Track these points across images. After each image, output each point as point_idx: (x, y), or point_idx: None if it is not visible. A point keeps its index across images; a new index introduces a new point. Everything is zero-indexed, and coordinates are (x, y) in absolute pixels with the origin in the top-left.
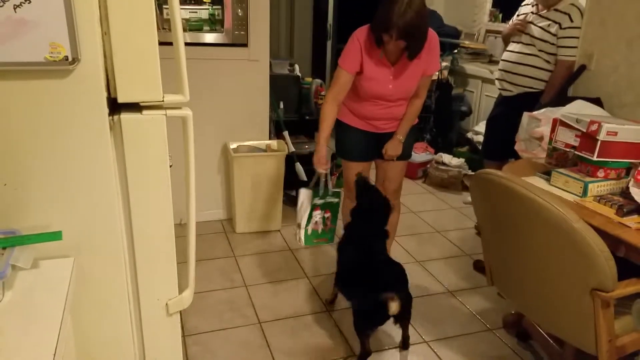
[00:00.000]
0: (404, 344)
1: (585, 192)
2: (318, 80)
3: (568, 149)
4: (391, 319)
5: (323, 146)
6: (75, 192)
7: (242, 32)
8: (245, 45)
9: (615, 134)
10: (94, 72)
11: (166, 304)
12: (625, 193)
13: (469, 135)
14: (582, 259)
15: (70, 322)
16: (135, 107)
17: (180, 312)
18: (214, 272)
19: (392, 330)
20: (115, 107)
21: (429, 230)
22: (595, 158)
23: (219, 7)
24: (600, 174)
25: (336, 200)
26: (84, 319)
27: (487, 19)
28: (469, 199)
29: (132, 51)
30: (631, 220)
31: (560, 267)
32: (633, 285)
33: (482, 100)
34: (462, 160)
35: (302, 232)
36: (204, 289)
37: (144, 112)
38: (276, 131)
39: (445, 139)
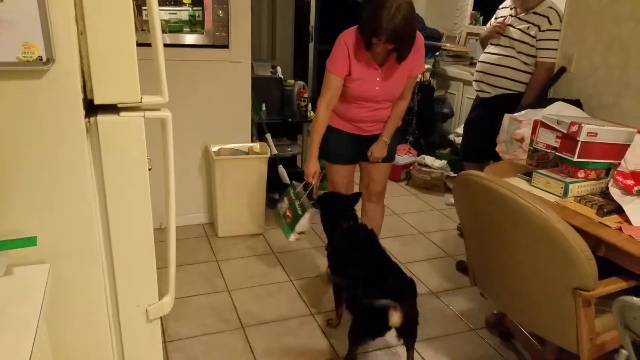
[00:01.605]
0: None
1: (566, 193)
2: (300, 82)
3: (549, 150)
4: (394, 332)
5: (315, 157)
6: (51, 196)
7: (223, 33)
8: (226, 46)
9: (596, 134)
10: (69, 72)
11: (146, 310)
12: (605, 193)
13: (451, 137)
14: (564, 259)
15: (46, 330)
16: (112, 109)
17: (161, 317)
18: (195, 277)
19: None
20: (91, 108)
21: (412, 232)
22: (575, 159)
23: (199, 8)
24: (581, 174)
25: (300, 212)
26: (60, 327)
27: (468, 21)
28: (452, 200)
29: (109, 51)
30: (611, 220)
31: (542, 267)
32: (614, 284)
33: (463, 102)
34: (444, 162)
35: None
36: (185, 294)
37: (122, 113)
38: (258, 134)
39: (428, 141)
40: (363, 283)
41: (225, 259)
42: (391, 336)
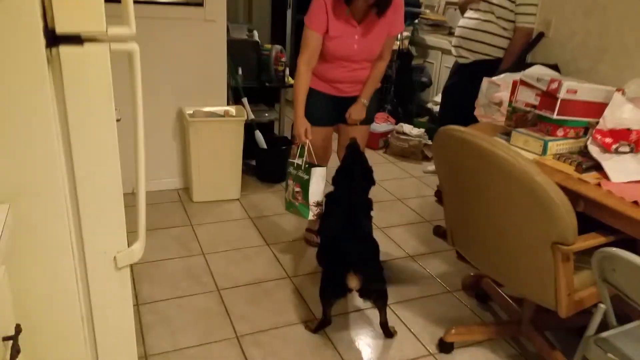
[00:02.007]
0: (385, 331)
1: (545, 151)
2: (278, 47)
3: (528, 108)
4: (356, 294)
5: (302, 116)
6: (10, 133)
7: None
8: (200, 4)
9: (575, 92)
10: None
11: (114, 257)
12: (584, 152)
13: (429, 105)
14: (543, 212)
15: (5, 274)
16: (76, 41)
17: (133, 280)
18: (169, 241)
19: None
20: (54, 41)
21: (390, 198)
22: (555, 116)
23: None
24: (560, 132)
25: (306, 177)
26: (23, 272)
27: None
28: (430, 168)
29: None
30: (590, 177)
31: (521, 221)
32: (593, 239)
33: (442, 71)
34: (422, 130)
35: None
36: (158, 257)
37: (86, 44)
38: (234, 98)
39: (406, 109)
40: (332, 246)
41: (200, 223)
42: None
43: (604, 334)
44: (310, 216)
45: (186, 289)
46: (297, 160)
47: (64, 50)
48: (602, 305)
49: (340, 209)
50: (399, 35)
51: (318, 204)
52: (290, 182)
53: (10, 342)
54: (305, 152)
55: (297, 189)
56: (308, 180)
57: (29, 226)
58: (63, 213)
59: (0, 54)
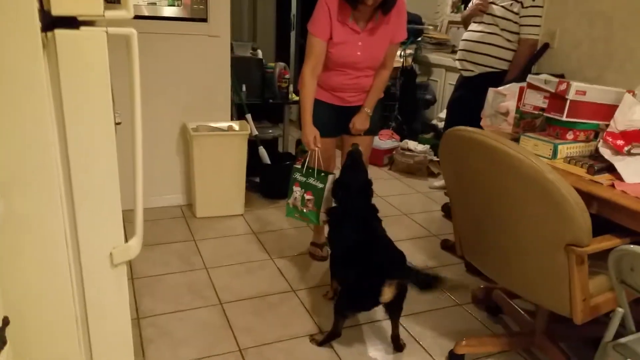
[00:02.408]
0: (395, 344)
1: (555, 154)
2: (282, 64)
3: (536, 112)
4: (382, 307)
5: (310, 123)
6: (2, 121)
7: (201, 6)
8: (204, 20)
9: (584, 93)
10: None
11: (110, 253)
12: (595, 155)
13: (434, 122)
14: (556, 212)
15: None
16: (72, 24)
17: (134, 294)
18: (171, 255)
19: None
20: (49, 23)
21: (395, 213)
22: (564, 118)
23: None
24: (570, 136)
25: (320, 185)
26: (13, 267)
27: (449, 10)
28: (436, 183)
29: None
30: (602, 178)
31: (534, 222)
32: (607, 241)
33: (446, 88)
34: (427, 146)
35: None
36: (160, 272)
37: (82, 28)
38: (238, 115)
39: (411, 127)
40: (355, 257)
41: (203, 238)
42: (376, 311)
43: (623, 340)
44: (321, 222)
45: (188, 303)
46: (305, 167)
47: (60, 33)
48: (620, 309)
49: (350, 218)
50: (403, 53)
51: (330, 210)
52: (296, 188)
53: None
54: (315, 160)
55: (309, 197)
56: (322, 189)
57: (21, 219)
58: (57, 205)
59: None
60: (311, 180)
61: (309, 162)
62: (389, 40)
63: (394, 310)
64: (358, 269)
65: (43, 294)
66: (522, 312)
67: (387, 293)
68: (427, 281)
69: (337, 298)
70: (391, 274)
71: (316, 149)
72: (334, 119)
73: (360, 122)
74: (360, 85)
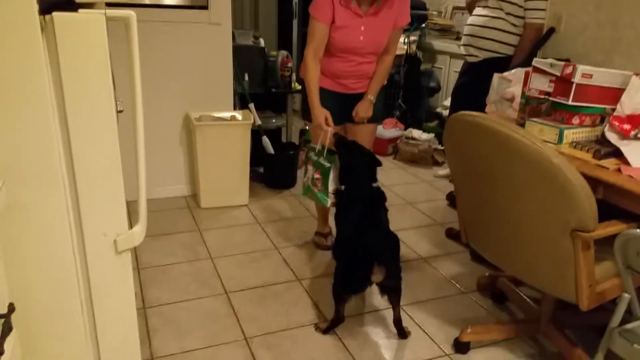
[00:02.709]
0: (398, 329)
1: (560, 139)
2: (284, 52)
3: (542, 96)
4: (377, 290)
5: (319, 104)
6: (2, 106)
7: None
8: (205, 7)
9: (591, 76)
10: None
11: (114, 241)
12: (601, 140)
13: (438, 110)
14: (562, 197)
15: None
16: (70, 7)
17: (140, 284)
18: (176, 245)
19: (368, 295)
20: (47, 6)
21: (400, 202)
22: (570, 102)
23: None
24: (575, 120)
25: (327, 165)
26: (17, 253)
27: None
28: (440, 172)
29: None
30: (609, 163)
31: (539, 207)
32: (613, 226)
33: (450, 76)
34: (431, 135)
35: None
36: (165, 262)
37: (80, 11)
38: (241, 104)
39: (415, 115)
40: (351, 240)
41: (208, 228)
42: (379, 300)
43: (629, 325)
44: (329, 204)
45: (193, 292)
46: (319, 146)
47: (58, 16)
48: (626, 295)
49: (356, 202)
50: (407, 39)
51: (336, 192)
52: (310, 167)
53: (2, 320)
54: (327, 139)
55: (317, 176)
56: (329, 168)
57: (25, 207)
58: (60, 192)
59: None
60: (321, 160)
61: (321, 141)
62: (392, 24)
63: (392, 293)
64: (350, 251)
65: (48, 282)
66: (528, 300)
67: (377, 274)
68: (388, 285)
69: (333, 281)
70: (379, 258)
71: (329, 129)
72: (337, 107)
73: (363, 109)
74: (362, 72)
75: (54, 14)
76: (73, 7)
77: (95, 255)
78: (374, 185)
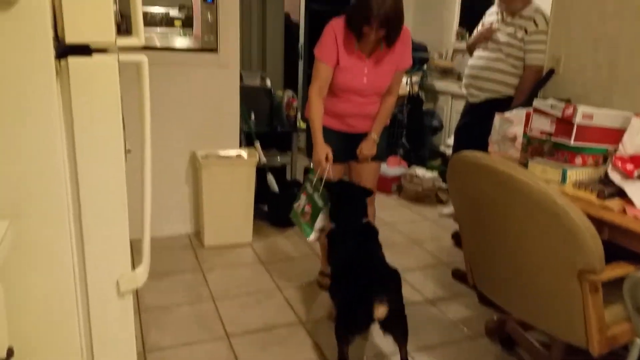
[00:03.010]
0: None
1: (564, 179)
2: (290, 92)
3: (544, 137)
4: (379, 328)
5: (321, 141)
6: (14, 146)
7: (211, 38)
8: (215, 50)
9: (591, 117)
10: (39, 7)
11: (117, 281)
12: (605, 180)
13: (442, 148)
14: (567, 237)
15: (1, 293)
16: (84, 51)
17: (141, 326)
18: (178, 286)
19: (374, 338)
20: (63, 53)
21: (405, 241)
22: (572, 143)
23: (190, 29)
24: (578, 160)
25: (320, 203)
26: (20, 292)
27: (454, 38)
28: (445, 211)
29: None
30: (613, 203)
31: (544, 248)
32: (621, 268)
33: (452, 115)
34: (435, 173)
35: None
36: (167, 303)
37: (94, 55)
38: (247, 143)
39: (418, 153)
40: (347, 277)
41: (211, 268)
42: (384, 344)
43: None
44: (311, 238)
45: (194, 336)
46: (316, 180)
47: (73, 61)
48: (638, 340)
49: (348, 238)
50: (409, 80)
51: (322, 231)
52: (303, 196)
53: None
54: (325, 176)
55: (307, 209)
56: (320, 208)
57: (30, 244)
58: (66, 231)
59: (8, 63)
60: (315, 196)
61: (319, 175)
62: (394, 67)
63: (397, 332)
64: (349, 288)
65: (49, 323)
66: (537, 345)
67: (380, 309)
68: (392, 323)
69: (335, 322)
70: (379, 291)
71: (328, 166)
72: (341, 146)
73: (367, 147)
74: (366, 112)
75: (69, 58)
76: (87, 52)
77: (97, 296)
78: (364, 220)
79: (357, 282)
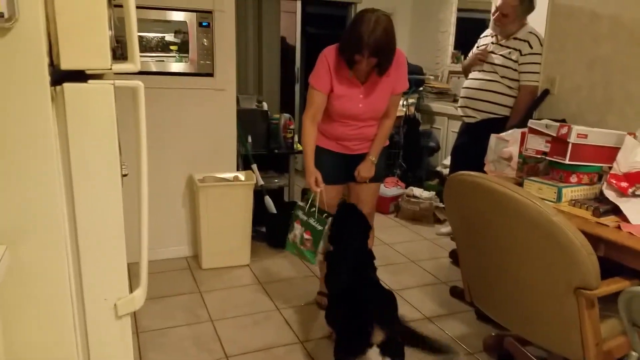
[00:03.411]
0: None
1: (559, 197)
2: (287, 115)
3: (539, 156)
4: (378, 352)
5: (312, 167)
6: (10, 172)
7: (207, 62)
8: (211, 74)
9: (586, 136)
10: (34, 33)
11: (115, 305)
12: (600, 198)
13: (439, 168)
14: (563, 255)
15: None
16: (80, 77)
17: (139, 348)
18: (177, 308)
19: None
20: (58, 80)
21: (403, 260)
22: (567, 161)
23: (186, 55)
24: (573, 179)
25: (319, 228)
26: (16, 318)
27: (449, 61)
28: (443, 230)
29: (78, 12)
30: (609, 220)
31: (541, 266)
32: (616, 283)
33: (449, 136)
34: (432, 193)
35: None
36: (165, 325)
37: (90, 81)
38: (244, 165)
39: (415, 173)
40: (345, 301)
41: (209, 290)
42: None
43: None
44: (317, 262)
45: (193, 357)
46: (309, 206)
47: (69, 87)
48: (634, 353)
49: (345, 264)
50: (405, 102)
51: (326, 253)
52: (297, 225)
53: None
54: (317, 201)
55: (307, 237)
56: (321, 232)
57: (27, 270)
58: (63, 256)
59: (4, 91)
60: (311, 221)
61: (312, 202)
62: (390, 92)
63: (395, 355)
64: (348, 313)
65: (46, 346)
66: None
67: (378, 334)
68: (391, 346)
69: (334, 345)
70: (377, 317)
71: (318, 190)
72: (339, 167)
73: (365, 170)
74: (364, 135)
75: (65, 85)
76: (83, 78)
77: (95, 320)
78: (362, 244)
79: (356, 307)
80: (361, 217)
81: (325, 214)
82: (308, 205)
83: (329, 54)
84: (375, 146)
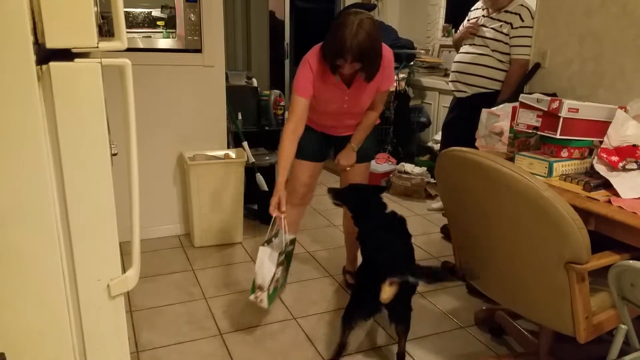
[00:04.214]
0: None
1: (550, 172)
2: (277, 91)
3: (530, 130)
4: (386, 315)
5: (282, 185)
6: None
7: (195, 38)
8: (199, 50)
9: (577, 110)
10: (17, 10)
11: (108, 285)
12: (590, 172)
13: (430, 144)
14: (554, 230)
15: None
16: (66, 56)
17: (133, 326)
18: (170, 286)
19: (371, 333)
20: (44, 59)
21: None
22: (558, 136)
23: (173, 30)
24: (564, 153)
25: (291, 247)
26: (9, 303)
27: (440, 34)
28: (434, 205)
29: None
30: (599, 194)
31: (532, 241)
32: (607, 257)
33: (440, 111)
34: (424, 168)
35: (265, 294)
36: (159, 303)
37: (76, 60)
38: (235, 143)
39: (406, 149)
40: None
41: (201, 267)
42: (381, 337)
43: (628, 357)
44: (252, 298)
45: (187, 334)
46: (280, 238)
47: (55, 66)
48: (622, 326)
49: (378, 230)
50: (396, 77)
51: (261, 288)
52: (278, 269)
53: None
54: (280, 225)
55: (274, 285)
56: (293, 250)
57: (17, 252)
58: (54, 238)
59: None
60: (286, 249)
61: (273, 229)
62: (375, 90)
63: (400, 320)
64: (365, 271)
65: (40, 328)
66: (526, 333)
67: (387, 292)
68: (433, 273)
69: (345, 307)
70: (391, 271)
71: (281, 215)
72: (320, 145)
73: (345, 157)
74: (350, 124)
75: (51, 64)
76: (69, 57)
77: (89, 301)
78: (387, 212)
79: (373, 266)
80: (370, 190)
81: (290, 239)
82: (278, 241)
83: (311, 59)
84: (358, 135)
